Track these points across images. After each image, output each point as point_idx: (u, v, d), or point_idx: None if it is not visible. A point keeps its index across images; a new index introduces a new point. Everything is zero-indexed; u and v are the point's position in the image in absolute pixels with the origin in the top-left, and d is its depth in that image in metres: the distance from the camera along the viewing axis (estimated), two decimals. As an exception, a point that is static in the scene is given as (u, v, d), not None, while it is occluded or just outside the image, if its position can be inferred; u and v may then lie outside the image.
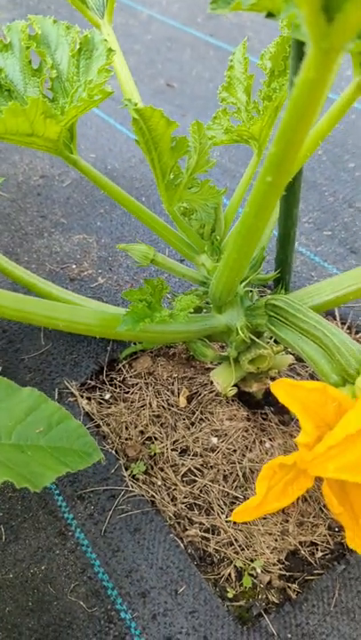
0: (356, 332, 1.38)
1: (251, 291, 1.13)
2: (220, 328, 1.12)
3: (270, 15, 0.64)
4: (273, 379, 1.30)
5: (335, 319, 1.41)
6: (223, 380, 1.17)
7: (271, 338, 1.19)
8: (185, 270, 1.09)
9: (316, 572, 1.01)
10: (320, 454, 0.75)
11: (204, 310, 1.18)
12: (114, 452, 1.21)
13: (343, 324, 1.40)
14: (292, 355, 1.24)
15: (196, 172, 0.94)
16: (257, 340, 1.09)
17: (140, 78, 2.46)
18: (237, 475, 1.16)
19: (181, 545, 1.06)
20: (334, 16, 0.42)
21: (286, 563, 1.04)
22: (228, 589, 1.01)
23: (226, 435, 1.21)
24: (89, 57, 0.93)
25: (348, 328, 1.39)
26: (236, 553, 1.05)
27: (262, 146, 1.04)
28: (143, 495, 1.13)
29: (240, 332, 1.06)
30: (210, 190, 0.98)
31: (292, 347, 1.01)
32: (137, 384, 1.32)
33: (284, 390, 0.79)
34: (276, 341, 1.15)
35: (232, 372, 1.16)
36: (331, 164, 1.93)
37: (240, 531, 1.08)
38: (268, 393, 1.26)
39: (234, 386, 1.20)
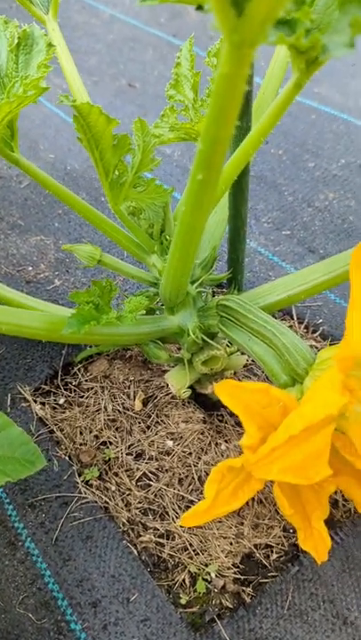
0: (314, 332, 1.38)
1: (203, 291, 1.12)
2: (172, 329, 1.10)
3: (200, 8, 0.62)
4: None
5: (293, 318, 1.41)
6: (177, 382, 1.16)
7: (226, 339, 1.18)
8: (134, 271, 1.07)
9: (270, 574, 1.00)
10: (264, 456, 0.74)
11: (158, 312, 1.16)
12: (67, 457, 1.18)
13: (300, 323, 1.40)
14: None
15: (141, 170, 0.92)
16: (210, 340, 1.08)
17: (102, 78, 2.44)
18: (193, 478, 1.14)
19: (135, 552, 1.04)
20: (244, 9, 0.40)
21: (241, 566, 1.02)
22: (181, 595, 0.99)
23: (181, 437, 1.19)
24: (28, 52, 0.90)
25: (306, 327, 1.39)
26: (191, 558, 1.04)
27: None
28: (96, 501, 1.11)
29: (191, 333, 1.04)
30: (156, 189, 0.96)
31: (243, 347, 1.00)
32: (92, 388, 1.29)
33: (228, 392, 0.78)
34: (231, 342, 1.14)
35: (186, 373, 1.15)
36: (291, 163, 1.93)
37: (195, 535, 1.06)
38: (223, 394, 1.24)
39: (189, 388, 1.18)
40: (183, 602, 0.98)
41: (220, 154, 0.57)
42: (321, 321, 1.40)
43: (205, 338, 1.08)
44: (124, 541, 1.05)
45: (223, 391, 0.78)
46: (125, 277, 1.50)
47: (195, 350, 1.10)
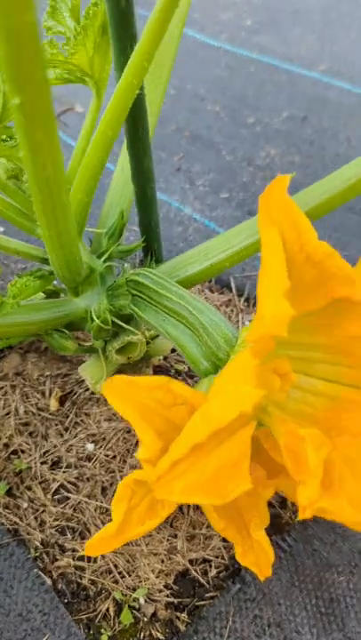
0: (255, 305, 1.22)
1: (112, 266, 0.94)
2: (78, 314, 0.92)
3: None
4: (157, 367, 1.12)
5: (231, 291, 1.24)
6: (93, 375, 0.98)
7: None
8: (20, 247, 0.88)
9: (208, 595, 0.85)
10: (164, 472, 0.57)
11: (63, 294, 0.98)
12: (-30, 473, 1.00)
13: (240, 295, 1.23)
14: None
15: (7, 119, 0.73)
16: (123, 324, 0.90)
17: None
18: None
19: (48, 581, 0.88)
20: None
21: (174, 587, 0.87)
22: (104, 630, 0.83)
23: (104, 439, 1.02)
24: None
25: (246, 300, 1.23)
26: (116, 582, 0.88)
27: (100, 84, 0.83)
28: (3, 523, 0.93)
29: (95, 316, 0.86)
30: (33, 142, 0.77)
31: (159, 330, 0.83)
32: (1, 388, 1.11)
33: (118, 392, 0.61)
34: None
35: (102, 365, 0.98)
36: (229, 119, 1.74)
37: (120, 554, 0.90)
38: (151, 385, 1.07)
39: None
40: (105, 638, 0.82)
41: (24, 50, 0.39)
42: (263, 292, 1.23)
43: (118, 321, 0.90)
44: (36, 570, 0.88)
45: (112, 392, 0.61)
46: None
47: (106, 337, 0.93)
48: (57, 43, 0.82)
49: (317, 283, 0.60)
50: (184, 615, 0.83)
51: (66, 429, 1.05)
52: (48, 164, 0.51)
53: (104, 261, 0.93)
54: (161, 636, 0.82)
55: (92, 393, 1.08)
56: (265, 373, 0.69)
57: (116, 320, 0.90)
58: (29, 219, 0.87)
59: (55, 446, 1.03)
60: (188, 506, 0.94)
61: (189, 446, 0.55)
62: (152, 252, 0.98)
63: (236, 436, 0.57)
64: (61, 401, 1.08)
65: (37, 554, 0.91)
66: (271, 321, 0.54)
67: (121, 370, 1.03)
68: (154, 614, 0.84)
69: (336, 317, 0.68)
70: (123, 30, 0.69)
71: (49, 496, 0.97)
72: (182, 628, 0.82)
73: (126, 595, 0.86)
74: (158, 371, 1.09)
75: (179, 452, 0.55)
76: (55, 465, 1.01)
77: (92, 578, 0.88)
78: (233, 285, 1.24)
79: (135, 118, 0.77)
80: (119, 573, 0.88)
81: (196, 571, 0.87)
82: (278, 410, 0.72)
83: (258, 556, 0.77)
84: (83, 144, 0.88)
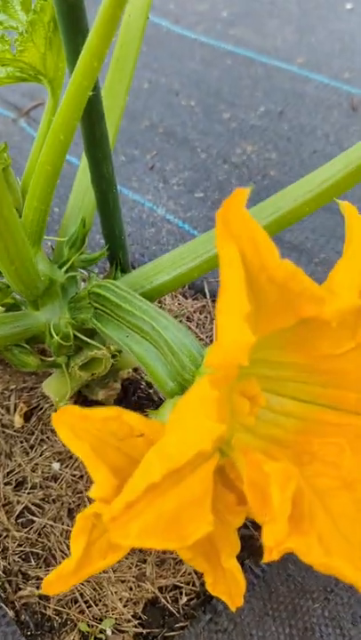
0: (230, 311, 1.17)
1: (75, 276, 0.88)
2: (39, 328, 0.87)
3: None
4: (126, 380, 1.07)
5: (205, 297, 1.19)
6: (56, 392, 0.93)
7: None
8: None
9: (178, 625, 0.80)
10: (119, 513, 0.52)
11: (24, 307, 0.92)
12: None
13: (214, 301, 1.18)
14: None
15: None
16: (86, 339, 0.85)
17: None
18: (85, 507, 0.92)
19: (10, 613, 0.83)
20: None
21: (143, 617, 0.82)
22: (69, 665, 0.79)
23: (71, 457, 0.97)
24: None
25: (221, 306, 1.17)
26: (82, 612, 0.83)
27: (54, 83, 0.78)
28: None
29: (53, 332, 0.81)
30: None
31: (121, 346, 0.78)
32: None
33: (68, 425, 0.56)
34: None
35: (67, 381, 0.92)
36: (204, 115, 1.68)
37: (87, 582, 0.85)
38: (119, 400, 1.03)
39: (76, 395, 0.96)
40: (70, 674, 0.78)
41: None
42: (238, 297, 1.18)
43: (80, 335, 0.85)
44: (-3, 601, 0.83)
45: (61, 425, 0.56)
46: None
47: (68, 353, 0.87)
48: (9, 39, 0.76)
49: (283, 302, 0.55)
50: (153, 647, 0.79)
51: (31, 447, 1.00)
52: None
53: (65, 272, 0.87)
54: (129, 671, 0.78)
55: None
56: (233, 396, 0.64)
57: (79, 334, 0.85)
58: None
59: (20, 465, 0.97)
60: (159, 528, 0.89)
61: (144, 486, 0.50)
62: (117, 261, 0.93)
63: (195, 474, 0.52)
64: (26, 416, 1.03)
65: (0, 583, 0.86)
66: (230, 347, 0.49)
67: (88, 384, 0.97)
68: (122, 646, 0.80)
69: (307, 335, 0.63)
70: (71, 25, 0.63)
71: (12, 520, 0.92)
72: (151, 660, 0.78)
73: (92, 626, 0.81)
74: (128, 384, 1.04)
75: (133, 493, 0.50)
76: (20, 485, 0.96)
77: (57, 608, 0.84)
78: (207, 290, 1.19)
79: (91, 121, 0.71)
80: (85, 603, 0.83)
81: (165, 599, 0.83)
82: (247, 434, 0.68)
83: (229, 585, 0.73)
84: (38, 149, 0.82)
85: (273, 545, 0.52)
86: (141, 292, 0.84)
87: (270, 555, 0.52)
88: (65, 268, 0.87)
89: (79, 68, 0.60)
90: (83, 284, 0.96)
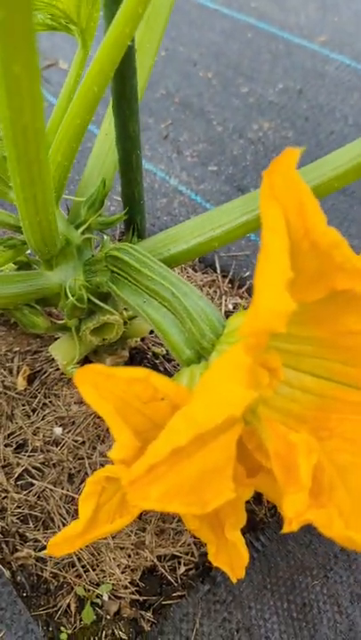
0: (240, 286, 1.16)
1: (90, 238, 0.86)
2: (52, 289, 0.85)
3: None
4: (134, 349, 1.05)
5: (215, 271, 1.17)
6: (64, 355, 0.92)
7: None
8: (-11, 211, 0.80)
9: (175, 594, 0.80)
10: (139, 476, 0.51)
11: (36, 267, 0.90)
12: None
13: (225, 276, 1.17)
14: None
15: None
16: (100, 303, 0.83)
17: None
18: (86, 473, 0.92)
19: (6, 573, 0.82)
20: None
21: (141, 584, 0.82)
22: (64, 627, 0.78)
23: (73, 423, 0.96)
24: None
25: (231, 282, 1.16)
26: (79, 576, 0.82)
27: (87, 35, 0.75)
28: None
29: (69, 293, 0.79)
30: None
31: (137, 312, 0.76)
32: (-35, 362, 1.03)
33: (92, 384, 0.54)
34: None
35: (75, 345, 0.91)
36: (221, 88, 1.65)
37: (85, 547, 0.85)
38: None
39: (83, 361, 0.95)
40: (65, 637, 0.77)
41: None
42: (249, 273, 1.17)
43: (94, 299, 0.83)
44: (-6, 561, 0.83)
45: (85, 383, 0.54)
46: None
47: (80, 316, 0.86)
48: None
49: (320, 273, 0.54)
50: (149, 614, 0.79)
51: (33, 411, 0.98)
52: (26, 108, 0.43)
53: (82, 233, 0.85)
54: (124, 636, 0.78)
55: (63, 373, 1.01)
56: (254, 368, 0.63)
57: (93, 298, 0.83)
58: (2, 181, 0.79)
59: (21, 428, 0.96)
60: (160, 498, 0.88)
61: (169, 449, 0.49)
62: (134, 225, 0.91)
63: (221, 440, 0.51)
64: (30, 380, 1.01)
65: (-4, 543, 0.85)
66: (269, 315, 0.47)
67: (96, 350, 0.96)
68: (117, 612, 0.80)
69: (334, 310, 0.62)
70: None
71: (12, 481, 0.91)
72: (147, 627, 0.78)
73: (89, 590, 0.81)
74: (135, 353, 1.03)
75: (157, 455, 0.49)
76: (20, 448, 0.95)
77: (54, 571, 0.83)
78: (217, 265, 1.17)
79: (124, 75, 0.68)
80: (83, 567, 0.83)
81: (164, 568, 0.83)
82: (264, 407, 0.67)
83: (231, 557, 0.73)
84: (64, 101, 0.79)
85: (293, 516, 0.51)
86: (159, 260, 0.82)
87: (290, 525, 0.51)
88: (82, 230, 0.85)
89: (123, 14, 0.57)
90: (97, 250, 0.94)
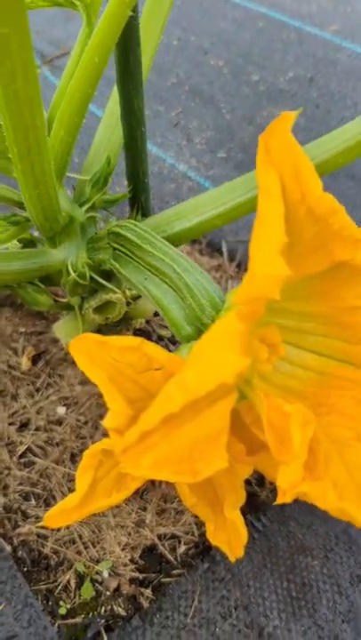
0: (247, 270, 1.15)
1: (94, 217, 0.86)
2: (55, 266, 0.85)
3: None
4: (138, 331, 1.05)
5: (222, 255, 1.17)
6: (67, 334, 0.92)
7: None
8: (-7, 187, 0.81)
9: (175, 571, 0.80)
10: (132, 444, 0.51)
11: (40, 244, 0.90)
12: None
13: (232, 260, 1.16)
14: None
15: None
16: (102, 281, 0.84)
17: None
18: (88, 452, 0.92)
19: (7, 548, 0.83)
20: None
21: (140, 562, 0.82)
22: (63, 602, 0.79)
23: (76, 403, 0.97)
24: None
25: (238, 266, 1.16)
26: (79, 553, 0.83)
27: (91, 10, 0.75)
28: (-36, 485, 0.88)
29: (71, 270, 0.79)
30: None
31: (139, 289, 0.76)
32: (-29, 342, 1.04)
33: (87, 352, 0.54)
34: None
35: (79, 324, 0.91)
36: (232, 76, 1.64)
37: (86, 524, 0.85)
38: (129, 348, 1.01)
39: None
40: (64, 611, 0.78)
41: None
42: (255, 258, 1.16)
43: (96, 277, 0.83)
44: (-5, 536, 0.83)
45: (80, 351, 0.54)
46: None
47: (83, 294, 0.86)
48: None
49: (317, 242, 0.53)
50: (148, 591, 0.79)
51: (37, 390, 0.99)
52: (18, 72, 0.43)
53: (86, 211, 0.85)
54: (123, 612, 0.78)
55: (67, 353, 1.01)
56: (252, 341, 0.63)
57: (95, 276, 0.83)
58: (4, 156, 0.79)
59: (25, 407, 0.97)
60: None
61: (161, 417, 0.49)
62: (139, 204, 0.91)
63: (214, 409, 0.51)
64: (34, 360, 1.02)
65: (-2, 519, 0.86)
66: (263, 280, 0.47)
67: (99, 330, 0.96)
68: (117, 589, 0.80)
69: (335, 285, 0.62)
70: None
71: (14, 459, 0.92)
72: (145, 604, 0.78)
73: (89, 567, 0.81)
74: (139, 335, 1.03)
75: (149, 423, 0.49)
76: (24, 427, 0.95)
77: (55, 547, 0.84)
78: (224, 249, 1.17)
79: (127, 46, 0.68)
80: (83, 544, 0.83)
81: (164, 546, 0.83)
82: (263, 382, 0.66)
83: (230, 535, 0.73)
84: (68, 78, 0.79)
85: (287, 487, 0.51)
86: (161, 237, 0.82)
87: (284, 496, 0.51)
88: (86, 208, 0.85)
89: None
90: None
